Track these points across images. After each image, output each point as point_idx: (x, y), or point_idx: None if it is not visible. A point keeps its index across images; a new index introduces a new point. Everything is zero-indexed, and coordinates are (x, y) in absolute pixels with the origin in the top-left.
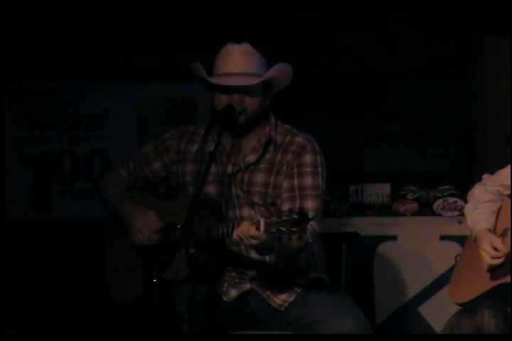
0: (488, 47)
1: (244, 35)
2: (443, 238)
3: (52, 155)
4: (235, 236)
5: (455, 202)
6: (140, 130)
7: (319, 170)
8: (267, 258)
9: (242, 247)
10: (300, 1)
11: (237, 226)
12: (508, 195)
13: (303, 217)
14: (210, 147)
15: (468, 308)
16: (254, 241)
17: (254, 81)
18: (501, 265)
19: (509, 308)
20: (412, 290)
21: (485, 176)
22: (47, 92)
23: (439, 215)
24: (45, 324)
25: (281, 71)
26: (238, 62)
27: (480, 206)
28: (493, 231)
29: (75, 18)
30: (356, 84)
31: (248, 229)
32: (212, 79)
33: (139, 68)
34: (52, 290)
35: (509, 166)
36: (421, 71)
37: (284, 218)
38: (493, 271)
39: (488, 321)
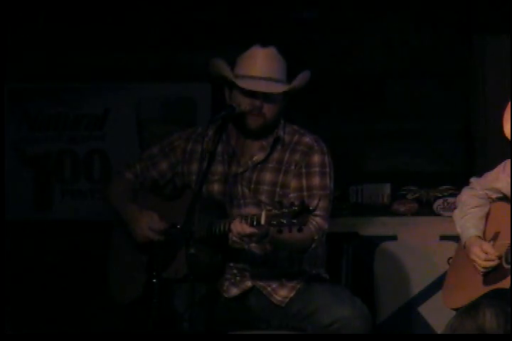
0: (488, 47)
1: (243, 35)
2: (443, 238)
3: (52, 155)
4: (234, 236)
5: (455, 202)
6: (140, 130)
7: (327, 170)
8: (269, 251)
9: (245, 246)
10: (300, 1)
11: (232, 224)
12: (497, 198)
13: (303, 209)
14: (217, 147)
15: (470, 308)
16: (253, 238)
17: (282, 88)
18: (493, 269)
19: (510, 309)
20: (413, 290)
21: (472, 180)
22: (47, 92)
23: (439, 215)
24: (45, 324)
25: (305, 79)
26: (263, 66)
27: (468, 212)
28: (483, 236)
29: (75, 18)
30: (356, 84)
31: (242, 228)
32: (240, 82)
33: (139, 68)
34: (52, 290)
35: (496, 169)
36: (421, 71)
37: (284, 210)
38: (486, 276)
39: (490, 321)
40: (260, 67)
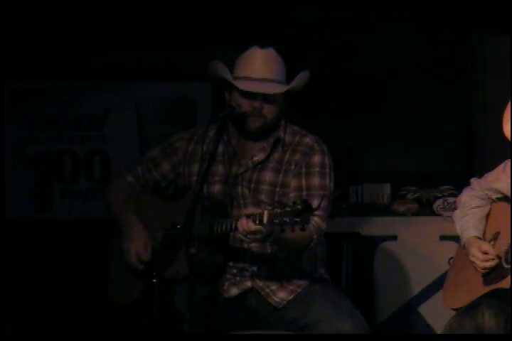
0: (488, 47)
1: (243, 35)
2: (443, 238)
3: (52, 155)
4: (239, 234)
5: (455, 202)
6: (140, 130)
7: (327, 170)
8: (269, 250)
9: (245, 245)
10: (300, 1)
11: (237, 221)
12: (497, 199)
13: (306, 208)
14: (218, 147)
15: (469, 308)
16: (258, 236)
17: (281, 89)
18: (493, 269)
19: (509, 309)
20: (413, 290)
21: (473, 180)
22: (47, 92)
23: (439, 215)
24: (45, 324)
25: (305, 79)
26: (262, 68)
27: (468, 212)
28: (482, 236)
29: (75, 18)
30: (356, 84)
31: (248, 225)
32: (238, 84)
33: (139, 68)
34: (52, 290)
35: (496, 170)
36: (421, 71)
37: (287, 209)
38: (486, 276)
39: (489, 321)
40: (259, 68)
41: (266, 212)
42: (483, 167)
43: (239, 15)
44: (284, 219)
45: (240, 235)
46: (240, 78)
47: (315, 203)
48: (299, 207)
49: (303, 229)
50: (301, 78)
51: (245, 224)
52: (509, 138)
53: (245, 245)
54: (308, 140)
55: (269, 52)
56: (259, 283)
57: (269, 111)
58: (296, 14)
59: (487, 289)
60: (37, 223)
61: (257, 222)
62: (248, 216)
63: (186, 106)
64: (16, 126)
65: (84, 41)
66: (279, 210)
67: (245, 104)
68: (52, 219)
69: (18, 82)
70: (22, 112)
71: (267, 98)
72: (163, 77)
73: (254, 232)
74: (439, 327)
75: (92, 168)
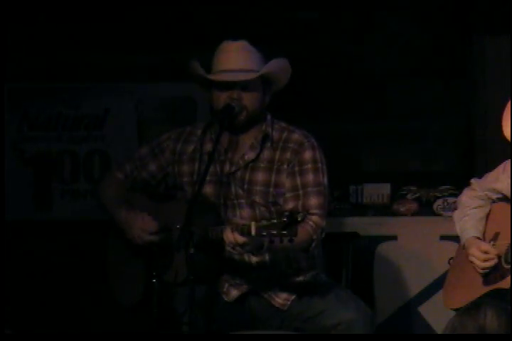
0: (488, 47)
1: (244, 35)
2: (443, 238)
3: (52, 155)
4: (228, 247)
5: (455, 202)
6: (140, 130)
7: (319, 165)
8: (267, 258)
9: (246, 258)
10: (300, 1)
11: (223, 234)
12: (497, 199)
13: (292, 220)
14: (208, 146)
15: (471, 308)
16: (247, 248)
17: (252, 76)
18: (493, 269)
19: (509, 307)
20: (412, 290)
21: (473, 180)
22: (47, 92)
23: (439, 215)
24: (45, 324)
25: (278, 65)
26: (235, 59)
27: (468, 213)
28: (482, 237)
29: (75, 18)
30: (356, 84)
31: (235, 238)
32: (211, 76)
33: (139, 68)
34: (52, 290)
35: (496, 170)
36: (421, 71)
37: (273, 221)
38: (486, 276)
39: (491, 320)
40: (233, 59)
41: (253, 224)
42: (483, 167)
43: (239, 16)
44: (272, 231)
45: (228, 247)
46: (215, 72)
47: (311, 201)
48: (286, 219)
49: (291, 241)
50: (272, 64)
51: (231, 236)
52: (509, 138)
53: (246, 257)
54: (296, 136)
55: (242, 44)
56: (260, 286)
57: (248, 99)
58: (296, 14)
59: (487, 289)
60: (37, 223)
61: (245, 234)
62: (233, 228)
63: (186, 106)
64: (16, 126)
65: (84, 41)
66: (265, 222)
67: (224, 96)
68: (52, 219)
69: (18, 82)
70: (22, 112)
71: (244, 87)
72: (163, 77)
73: (241, 245)
74: (439, 327)
75: (92, 168)
